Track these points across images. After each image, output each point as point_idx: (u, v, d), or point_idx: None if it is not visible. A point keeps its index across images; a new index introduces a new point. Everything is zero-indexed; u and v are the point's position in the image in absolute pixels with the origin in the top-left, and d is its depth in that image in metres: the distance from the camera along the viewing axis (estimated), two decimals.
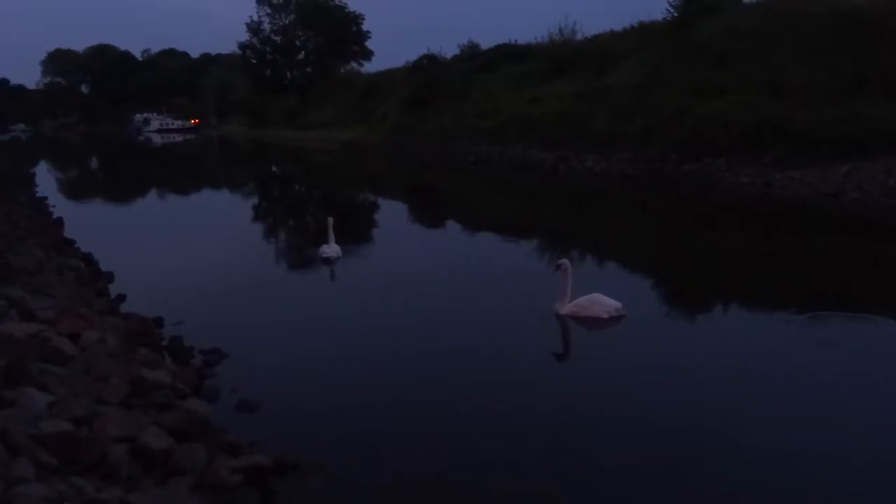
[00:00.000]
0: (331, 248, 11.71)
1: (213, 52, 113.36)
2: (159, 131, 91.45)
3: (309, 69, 75.20)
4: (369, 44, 74.19)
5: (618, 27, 34.91)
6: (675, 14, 28.46)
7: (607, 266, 11.76)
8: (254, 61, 76.86)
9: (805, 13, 23.68)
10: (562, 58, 33.81)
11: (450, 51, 48.55)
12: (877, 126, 17.73)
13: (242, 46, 76.61)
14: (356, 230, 15.60)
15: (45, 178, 31.03)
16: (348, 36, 73.04)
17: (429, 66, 45.83)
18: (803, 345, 7.32)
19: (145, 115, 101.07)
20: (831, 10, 23.25)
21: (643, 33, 31.34)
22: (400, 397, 6.10)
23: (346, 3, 73.41)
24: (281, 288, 10.70)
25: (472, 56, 45.93)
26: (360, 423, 5.58)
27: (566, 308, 8.02)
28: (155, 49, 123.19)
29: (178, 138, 78.06)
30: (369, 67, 72.24)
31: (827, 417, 5.58)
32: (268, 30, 75.69)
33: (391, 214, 19.42)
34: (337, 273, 11.32)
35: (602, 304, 7.95)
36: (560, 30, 35.78)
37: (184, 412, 5.09)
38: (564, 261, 8.18)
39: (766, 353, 6.99)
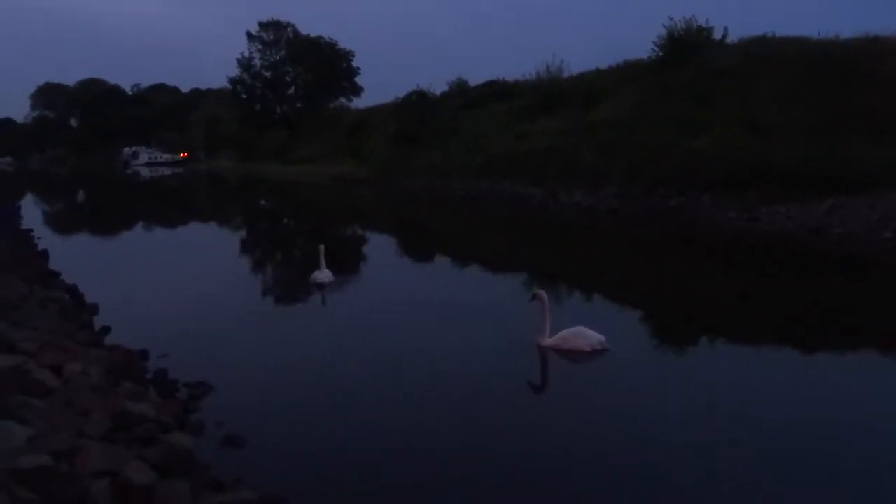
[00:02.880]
0: (323, 274, 11.96)
1: (204, 87, 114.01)
2: (147, 165, 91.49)
3: (299, 104, 75.87)
4: (359, 80, 75.20)
5: (603, 65, 35.64)
6: (660, 53, 29.09)
7: (593, 300, 11.79)
8: (244, 96, 77.48)
9: (784, 54, 24.31)
10: (549, 95, 34.34)
11: (438, 88, 49.24)
12: (857, 163, 18.06)
13: (233, 82, 77.33)
14: (346, 262, 15.54)
15: (31, 211, 30.82)
16: (338, 72, 73.95)
17: (417, 102, 46.38)
18: (788, 381, 7.32)
19: (134, 148, 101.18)
20: (809, 51, 23.91)
21: (628, 71, 31.98)
22: (387, 431, 6.00)
23: (336, 41, 74.58)
24: (269, 320, 10.60)
25: (460, 93, 46.56)
26: (348, 459, 5.48)
27: (548, 340, 8.00)
28: (145, 84, 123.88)
29: (167, 172, 78.04)
30: (358, 103, 73.17)
31: (811, 455, 5.55)
32: (258, 65, 76.58)
33: (380, 247, 19.41)
34: (326, 304, 11.29)
35: (585, 337, 7.93)
36: (547, 67, 36.43)
37: (167, 446, 4.98)
38: (540, 291, 8.21)
39: (752, 391, 6.96)
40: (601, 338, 7.94)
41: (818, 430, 5.98)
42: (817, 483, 5.12)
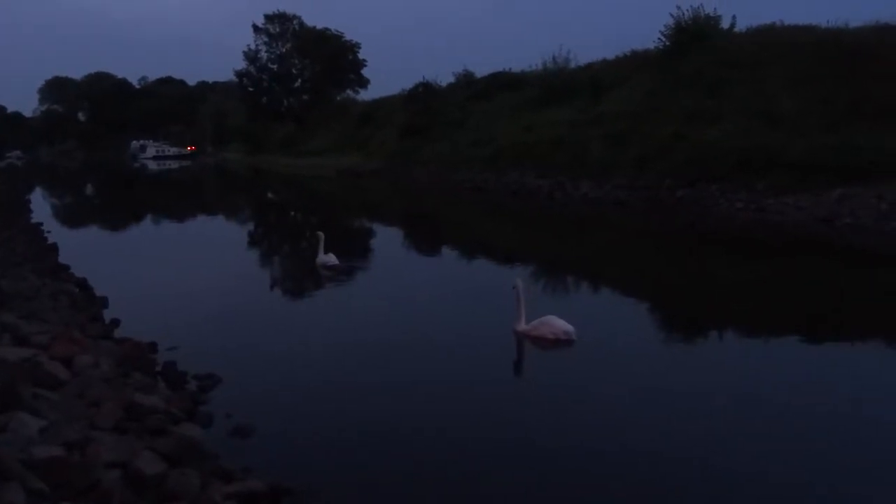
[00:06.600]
0: (328, 257, 12.70)
1: (210, 80, 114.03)
2: (155, 158, 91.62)
3: (305, 97, 75.81)
4: (365, 72, 75.08)
5: (610, 56, 35.44)
6: (668, 43, 28.90)
7: (585, 290, 11.98)
8: (251, 89, 77.44)
9: (795, 42, 24.13)
10: (556, 86, 34.18)
11: (445, 79, 49.11)
12: (868, 152, 17.93)
13: (239, 74, 77.26)
14: (352, 254, 15.59)
15: (40, 204, 30.99)
16: (345, 64, 73.84)
17: (424, 93, 46.29)
18: (781, 377, 7.28)
19: (141, 142, 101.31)
20: (821, 39, 23.71)
21: (636, 62, 31.82)
22: (392, 419, 6.06)
23: (342, 32, 74.42)
24: (275, 311, 10.68)
25: (467, 84, 46.41)
26: (354, 449, 5.54)
27: (522, 327, 8.25)
28: (152, 77, 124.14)
29: (174, 165, 78.17)
30: (365, 95, 73.00)
31: (777, 442, 5.55)
32: (265, 58, 76.50)
33: (386, 239, 19.45)
34: (332, 294, 11.43)
35: (551, 326, 8.07)
36: (554, 58, 36.26)
37: (177, 437, 5.04)
38: (518, 281, 8.49)
39: (748, 390, 6.95)
40: (568, 328, 7.99)
41: (796, 416, 6.03)
42: (780, 465, 5.15)
